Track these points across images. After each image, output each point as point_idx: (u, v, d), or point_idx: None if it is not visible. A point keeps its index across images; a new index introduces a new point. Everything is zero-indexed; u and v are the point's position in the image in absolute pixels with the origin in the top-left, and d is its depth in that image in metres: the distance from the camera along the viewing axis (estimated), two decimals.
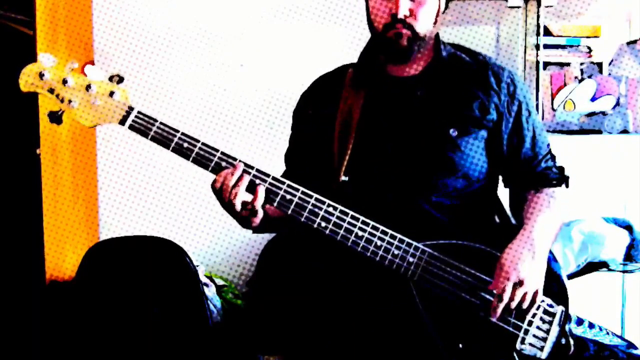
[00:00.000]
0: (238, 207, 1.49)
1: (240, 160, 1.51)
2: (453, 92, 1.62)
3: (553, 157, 1.71)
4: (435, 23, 1.60)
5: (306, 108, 1.75)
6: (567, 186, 1.68)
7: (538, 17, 2.85)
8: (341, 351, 1.60)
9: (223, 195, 1.49)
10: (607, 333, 2.22)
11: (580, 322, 2.16)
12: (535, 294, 1.51)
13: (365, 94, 1.64)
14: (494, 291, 1.50)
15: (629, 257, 2.51)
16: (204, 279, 2.74)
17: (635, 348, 2.17)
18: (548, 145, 1.71)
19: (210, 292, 2.71)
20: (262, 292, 2.67)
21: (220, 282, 2.86)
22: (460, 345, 1.51)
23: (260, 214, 1.55)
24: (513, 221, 1.72)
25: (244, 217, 1.53)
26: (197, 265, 2.58)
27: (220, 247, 3.06)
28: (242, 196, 1.48)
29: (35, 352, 2.52)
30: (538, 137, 1.68)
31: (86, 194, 2.96)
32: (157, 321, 2.40)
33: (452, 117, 1.60)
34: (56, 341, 2.45)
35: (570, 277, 1.65)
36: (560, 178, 1.68)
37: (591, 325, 2.22)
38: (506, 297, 1.48)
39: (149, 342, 2.39)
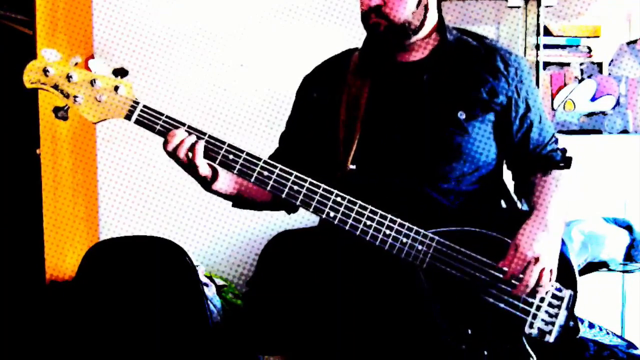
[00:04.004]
0: (183, 163, 1.50)
1: (247, 153, 1.51)
2: (460, 76, 1.61)
3: (556, 140, 1.73)
4: (416, 9, 1.57)
5: (311, 91, 1.73)
6: (569, 167, 1.69)
7: (538, 17, 2.85)
8: (345, 346, 1.60)
9: (175, 156, 1.49)
10: (607, 333, 2.23)
11: (580, 322, 2.17)
12: (551, 272, 1.52)
13: (371, 79, 1.63)
14: (509, 271, 1.50)
15: (629, 257, 2.52)
16: (204, 279, 2.74)
17: (635, 348, 2.18)
18: (552, 127, 1.72)
19: (210, 292, 2.71)
20: (262, 292, 2.67)
21: (220, 282, 2.86)
22: (470, 331, 1.52)
23: (224, 178, 1.55)
24: (519, 206, 1.73)
25: (197, 175, 1.52)
26: (197, 265, 2.58)
27: (220, 247, 3.06)
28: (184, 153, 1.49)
29: (36, 352, 2.52)
30: (544, 121, 1.69)
31: (86, 194, 2.96)
32: (157, 321, 2.40)
33: (460, 101, 1.59)
34: (56, 341, 2.45)
35: None
36: (565, 160, 1.68)
37: (591, 325, 2.23)
38: (525, 276, 1.49)
39: (149, 342, 2.39)
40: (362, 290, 1.59)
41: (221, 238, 3.05)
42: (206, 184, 1.55)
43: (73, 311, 2.45)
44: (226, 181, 1.57)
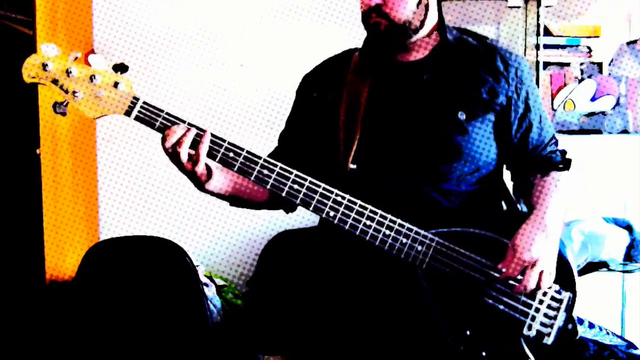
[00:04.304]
0: (184, 158, 1.47)
1: (247, 151, 1.50)
2: (460, 76, 1.61)
3: (556, 142, 1.72)
4: (417, 8, 1.57)
5: (311, 91, 1.72)
6: (568, 169, 1.69)
7: (538, 17, 2.85)
8: (347, 347, 1.60)
9: (175, 152, 1.47)
10: (607, 333, 2.23)
11: (580, 322, 2.16)
12: (550, 274, 1.52)
13: (371, 79, 1.63)
14: (506, 273, 1.50)
15: (629, 257, 2.52)
16: (204, 279, 2.74)
17: (635, 348, 2.18)
18: (552, 129, 1.72)
19: (210, 292, 2.71)
20: (262, 292, 2.67)
21: (220, 282, 2.86)
22: (468, 332, 1.51)
23: (217, 175, 1.53)
24: (520, 207, 1.73)
25: (194, 173, 1.50)
26: (197, 265, 2.58)
27: (220, 247, 3.06)
28: (185, 150, 1.47)
29: (36, 352, 2.52)
30: (544, 122, 1.68)
31: (86, 194, 2.96)
32: (157, 321, 2.40)
33: (460, 101, 1.59)
34: (56, 341, 2.45)
35: None
36: (564, 161, 1.68)
37: (591, 325, 2.23)
38: (524, 279, 1.49)
39: (149, 342, 2.39)
40: (362, 290, 1.59)
41: (221, 238, 3.05)
42: (200, 183, 1.54)
43: (73, 311, 2.45)
44: (222, 181, 1.56)
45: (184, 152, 1.46)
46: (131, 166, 3.03)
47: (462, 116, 1.58)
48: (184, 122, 1.48)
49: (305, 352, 1.79)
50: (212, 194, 1.58)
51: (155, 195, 3.04)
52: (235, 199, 1.64)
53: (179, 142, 1.46)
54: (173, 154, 1.48)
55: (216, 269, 3.05)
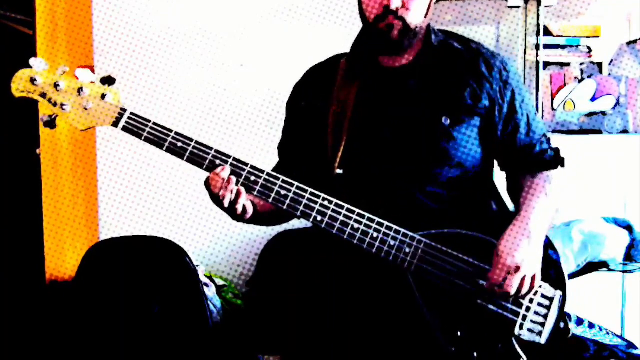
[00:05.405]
0: (226, 204, 1.51)
1: (234, 158, 1.51)
2: (445, 81, 1.62)
3: (548, 140, 1.72)
4: (427, 14, 1.60)
5: (299, 99, 1.74)
6: (562, 166, 1.69)
7: (538, 17, 2.85)
8: (341, 348, 1.61)
9: (214, 194, 1.50)
10: (607, 333, 2.22)
11: (580, 322, 2.17)
12: (533, 278, 1.52)
13: (358, 85, 1.64)
14: (491, 280, 1.51)
15: (629, 257, 2.51)
16: (204, 279, 2.74)
17: (635, 348, 2.17)
18: (542, 128, 1.72)
19: (210, 292, 2.71)
20: (262, 292, 2.67)
21: (220, 282, 2.86)
22: (459, 333, 1.51)
23: (250, 209, 1.56)
24: (510, 207, 1.73)
25: (237, 213, 1.54)
26: (197, 265, 2.58)
27: (220, 247, 3.06)
28: (230, 195, 1.50)
29: (36, 352, 2.52)
30: (532, 122, 1.68)
31: (86, 194, 2.96)
32: (157, 321, 2.40)
33: (444, 106, 1.60)
34: (56, 341, 2.45)
35: (570, 277, 1.65)
36: (555, 160, 1.68)
37: (591, 325, 2.22)
38: (505, 284, 1.49)
39: (148, 342, 2.39)
40: (355, 291, 1.59)
41: (221, 238, 3.05)
42: (241, 217, 1.58)
43: (73, 311, 2.45)
44: (251, 205, 1.58)
45: (227, 200, 1.50)
46: (131, 166, 3.03)
47: (446, 121, 1.58)
48: (171, 131, 1.50)
49: (305, 352, 1.79)
50: (248, 221, 1.62)
51: (155, 195, 3.04)
52: (266, 216, 1.65)
53: (223, 190, 1.49)
54: (219, 200, 1.51)
55: (216, 269, 3.05)
